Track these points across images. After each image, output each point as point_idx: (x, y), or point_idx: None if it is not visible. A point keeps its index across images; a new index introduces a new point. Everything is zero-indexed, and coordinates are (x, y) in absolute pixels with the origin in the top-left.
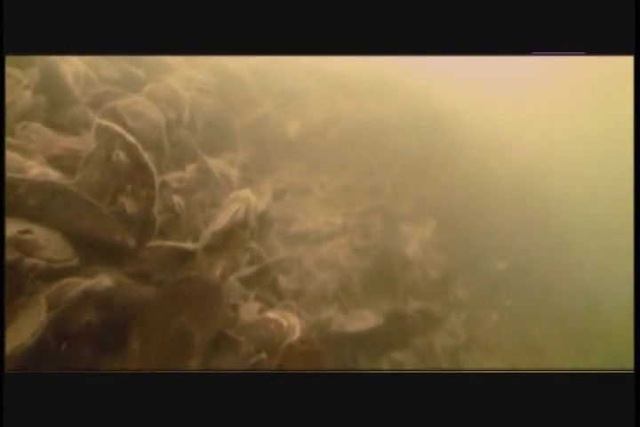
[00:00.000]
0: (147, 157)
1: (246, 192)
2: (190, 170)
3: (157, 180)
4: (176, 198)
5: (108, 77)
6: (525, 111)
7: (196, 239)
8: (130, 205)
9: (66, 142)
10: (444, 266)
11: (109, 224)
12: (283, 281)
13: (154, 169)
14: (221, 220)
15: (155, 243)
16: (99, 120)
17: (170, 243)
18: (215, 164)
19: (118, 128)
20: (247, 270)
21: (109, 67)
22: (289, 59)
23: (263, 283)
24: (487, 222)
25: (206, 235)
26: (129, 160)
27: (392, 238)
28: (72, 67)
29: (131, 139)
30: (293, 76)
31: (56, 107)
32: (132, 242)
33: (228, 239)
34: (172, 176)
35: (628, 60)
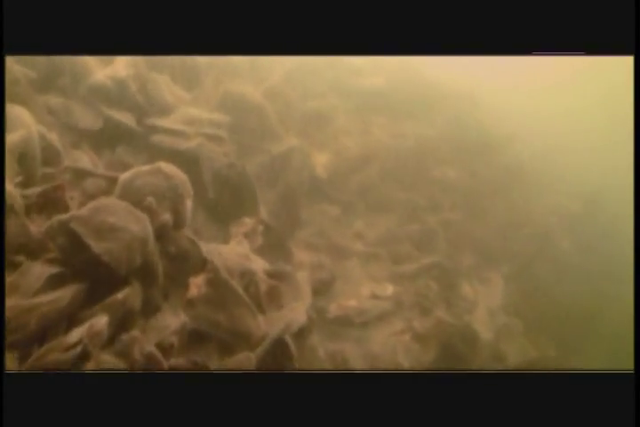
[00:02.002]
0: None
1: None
2: (196, 285)
3: None
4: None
5: (86, 128)
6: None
7: None
8: None
9: None
10: (523, 348)
11: None
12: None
13: None
14: None
15: None
16: None
17: None
18: (229, 260)
19: None
20: None
21: (87, 113)
22: (308, 74)
23: None
24: (561, 269)
25: None
26: None
27: (456, 309)
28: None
29: None
30: (315, 94)
31: None
32: None
33: None
34: (164, 323)
35: (628, 60)
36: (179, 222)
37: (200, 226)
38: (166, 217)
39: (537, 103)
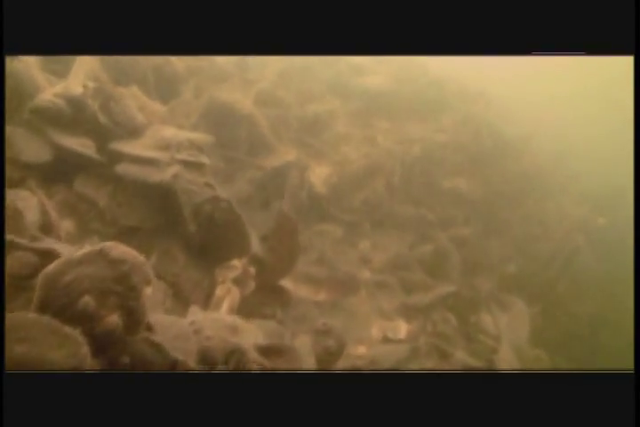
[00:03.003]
0: None
1: None
2: None
3: None
4: None
5: (30, 160)
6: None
7: None
8: None
9: None
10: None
11: None
12: None
13: None
14: None
15: None
16: None
17: None
18: (211, 339)
19: None
20: None
21: (32, 142)
22: (303, 74)
23: None
24: (582, 285)
25: None
26: None
27: (478, 347)
28: None
29: None
30: (312, 97)
31: None
32: None
33: None
34: None
35: (628, 60)
36: (133, 323)
37: (178, 278)
38: (113, 320)
39: (547, 100)
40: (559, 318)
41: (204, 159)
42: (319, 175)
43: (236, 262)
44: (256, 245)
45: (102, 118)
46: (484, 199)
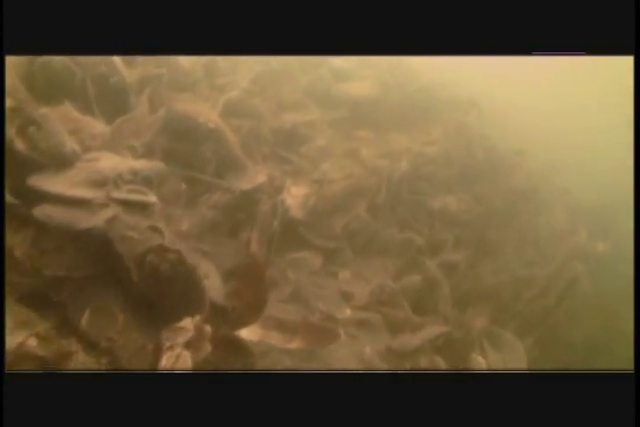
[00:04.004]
0: None
1: None
2: None
3: None
4: None
5: None
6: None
7: None
8: None
9: None
10: None
11: None
12: None
13: None
14: None
15: None
16: None
17: None
18: None
19: None
20: None
21: None
22: (280, 80)
23: None
24: (579, 311)
25: None
26: None
27: None
28: None
29: None
30: (290, 105)
31: None
32: None
33: None
34: None
35: (628, 60)
36: None
37: (114, 344)
38: None
39: (543, 103)
40: (555, 348)
41: (151, 197)
42: (295, 196)
43: (188, 322)
44: (217, 291)
45: (20, 147)
46: (475, 219)
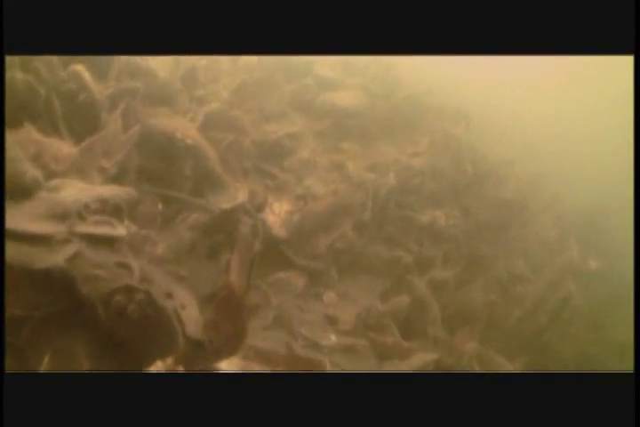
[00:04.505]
0: None
1: None
2: None
3: None
4: None
5: None
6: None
7: None
8: None
9: None
10: None
11: None
12: None
13: None
14: None
15: None
16: None
17: None
18: None
19: None
20: None
21: None
22: (263, 90)
23: None
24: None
25: None
26: None
27: None
28: None
29: None
30: (273, 117)
31: None
32: None
33: None
34: None
35: (628, 60)
36: None
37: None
38: None
39: (536, 111)
40: (546, 368)
41: (119, 230)
42: (278, 214)
43: (159, 365)
44: (194, 323)
45: None
46: (464, 234)
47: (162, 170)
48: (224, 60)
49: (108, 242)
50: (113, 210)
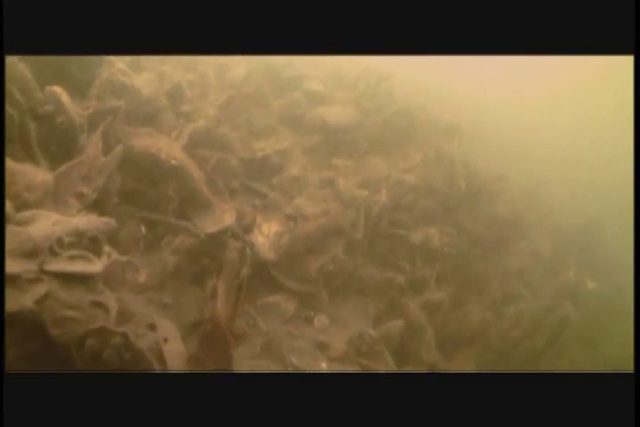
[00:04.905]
0: None
1: None
2: None
3: None
4: None
5: None
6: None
7: None
8: None
9: None
10: None
11: None
12: None
13: None
14: None
15: None
16: None
17: None
18: None
19: None
20: None
21: None
22: (251, 105)
23: None
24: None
25: None
26: None
27: None
28: None
29: None
30: (261, 133)
31: None
32: None
33: None
34: None
35: (628, 60)
36: None
37: None
38: None
39: (529, 119)
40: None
41: (95, 265)
42: (267, 235)
43: None
44: (177, 358)
45: None
46: (457, 252)
47: (145, 192)
48: (211, 75)
49: (83, 280)
50: (89, 243)
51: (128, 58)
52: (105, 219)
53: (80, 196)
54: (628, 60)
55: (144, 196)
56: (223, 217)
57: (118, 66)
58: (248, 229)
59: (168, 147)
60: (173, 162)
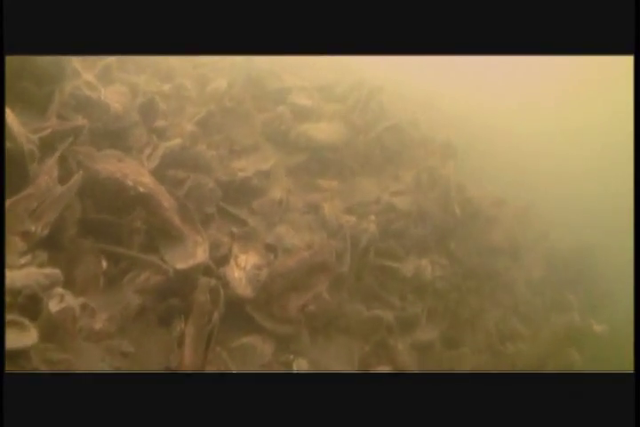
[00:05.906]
0: None
1: None
2: None
3: None
4: None
5: None
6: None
7: None
8: None
9: None
10: None
11: None
12: None
13: None
14: None
15: None
16: None
17: None
18: None
19: None
20: None
21: None
22: (232, 121)
23: None
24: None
25: None
26: None
27: None
28: None
29: None
30: (242, 151)
31: None
32: None
33: None
34: None
35: (628, 60)
36: None
37: None
38: None
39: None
40: None
41: (29, 335)
42: (244, 268)
43: None
44: None
45: None
46: (450, 285)
47: (108, 223)
48: (190, 87)
49: (13, 356)
50: (26, 303)
51: (99, 67)
52: (48, 270)
53: (25, 235)
54: (628, 60)
55: (107, 227)
56: (195, 251)
57: (85, 78)
58: (223, 261)
59: (136, 171)
60: (141, 189)
